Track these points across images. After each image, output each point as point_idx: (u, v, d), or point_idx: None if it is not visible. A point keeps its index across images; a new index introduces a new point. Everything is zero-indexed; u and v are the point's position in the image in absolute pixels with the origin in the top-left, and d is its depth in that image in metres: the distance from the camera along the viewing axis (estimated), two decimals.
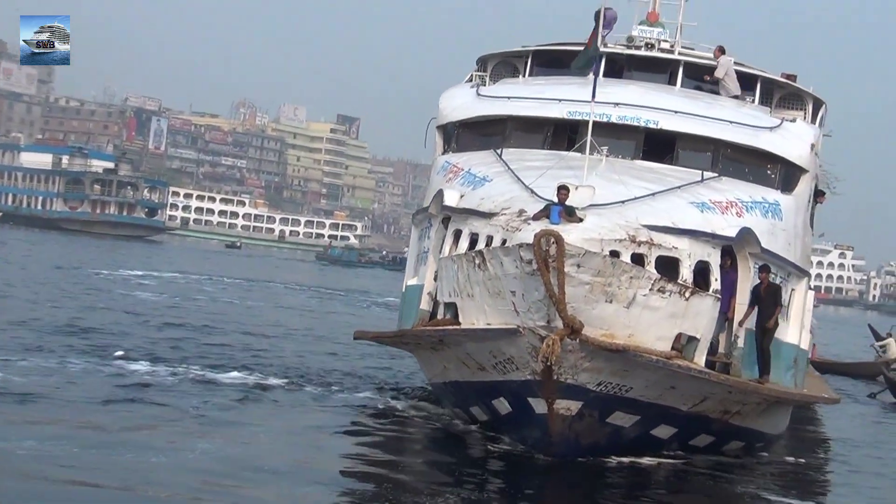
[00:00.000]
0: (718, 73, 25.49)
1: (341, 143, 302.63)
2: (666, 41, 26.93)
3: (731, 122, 23.73)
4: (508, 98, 24.74)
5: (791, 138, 24.06)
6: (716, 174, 22.84)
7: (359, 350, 33.31)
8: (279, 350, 33.49)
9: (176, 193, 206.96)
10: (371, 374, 29.49)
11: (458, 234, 21.36)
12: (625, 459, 20.48)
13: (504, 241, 19.26)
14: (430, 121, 26.47)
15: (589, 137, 20.95)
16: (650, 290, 18.76)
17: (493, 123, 24.66)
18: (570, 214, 18.79)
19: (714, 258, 20.61)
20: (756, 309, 21.83)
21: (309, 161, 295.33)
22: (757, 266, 21.83)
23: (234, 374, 26.55)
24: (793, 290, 24.27)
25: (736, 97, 25.36)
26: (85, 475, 16.11)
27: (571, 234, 18.26)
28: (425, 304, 22.50)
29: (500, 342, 19.27)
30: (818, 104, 27.03)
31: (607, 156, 21.99)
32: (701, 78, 25.74)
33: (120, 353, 28.09)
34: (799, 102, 26.75)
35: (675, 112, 23.58)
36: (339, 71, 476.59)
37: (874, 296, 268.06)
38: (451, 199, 21.77)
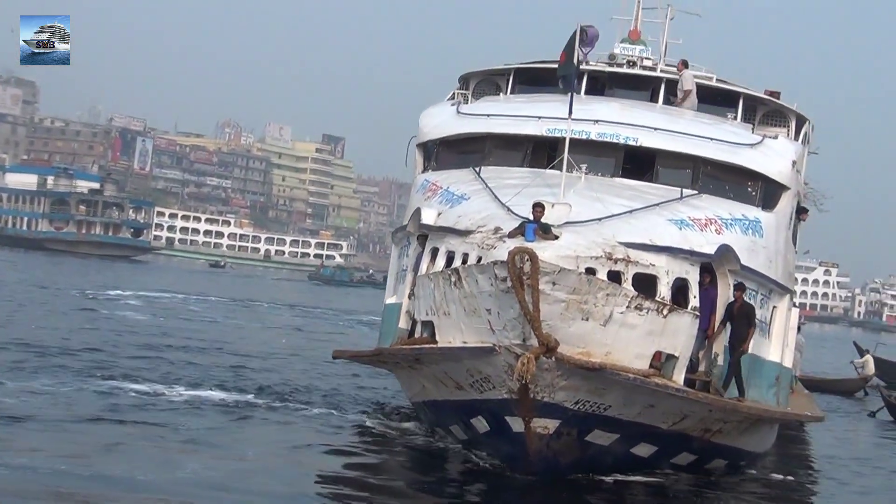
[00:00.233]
0: (685, 87, 25.36)
1: (326, 163, 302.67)
2: (648, 58, 26.99)
3: (711, 139, 23.65)
4: (488, 116, 24.66)
5: (772, 155, 23.98)
6: (695, 191, 22.76)
7: (346, 369, 33.15)
8: (266, 369, 33.47)
9: (161, 213, 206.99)
10: (356, 393, 29.39)
11: (435, 252, 21.26)
12: (607, 478, 20.38)
13: (480, 259, 19.18)
14: (411, 139, 26.38)
15: (566, 155, 20.84)
16: (627, 307, 18.59)
17: (473, 141, 24.59)
18: (546, 232, 18.69)
19: (693, 275, 20.52)
20: (728, 326, 21.72)
21: (294, 181, 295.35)
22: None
23: (221, 392, 26.56)
24: (774, 307, 24.16)
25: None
26: (73, 494, 16.15)
27: (546, 251, 18.14)
28: (403, 323, 22.38)
29: (476, 361, 19.10)
30: (801, 121, 27.00)
31: (586, 173, 21.94)
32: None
33: (106, 372, 27.99)
34: (782, 119, 26.75)
35: (655, 129, 23.51)
36: (325, 90, 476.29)
37: (859, 313, 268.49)
38: (428, 217, 21.67)
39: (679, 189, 22.51)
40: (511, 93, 26.40)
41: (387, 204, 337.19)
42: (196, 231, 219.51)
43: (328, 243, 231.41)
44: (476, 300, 18.52)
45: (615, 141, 23.27)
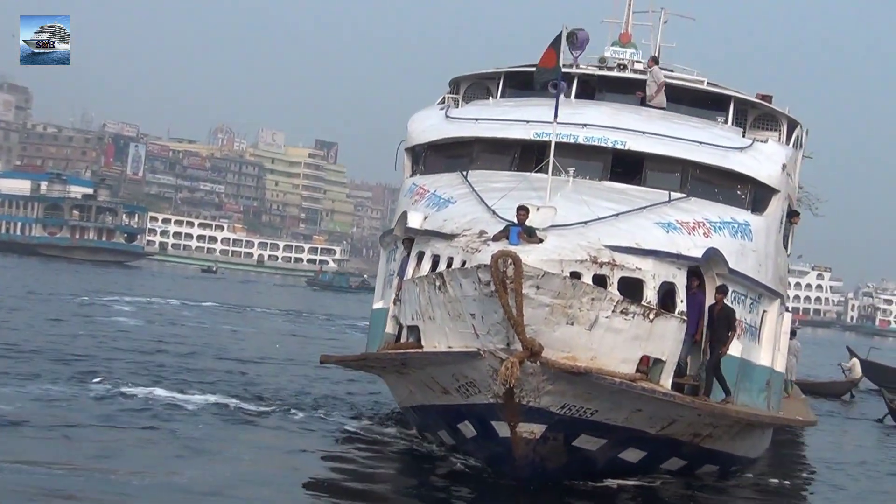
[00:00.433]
0: (651, 84, 25.22)
1: (319, 168, 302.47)
2: (639, 62, 26.85)
3: (700, 142, 23.53)
4: (476, 120, 24.57)
5: (762, 159, 23.85)
6: (684, 195, 22.64)
7: (342, 374, 33.08)
8: (260, 374, 33.44)
9: (154, 219, 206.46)
10: (349, 398, 29.43)
11: (421, 256, 21.14)
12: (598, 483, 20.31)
13: (464, 263, 19.05)
14: (400, 143, 26.28)
15: (551, 158, 20.72)
16: (613, 311, 18.48)
17: (461, 145, 24.50)
18: (531, 235, 18.56)
19: (680, 279, 20.36)
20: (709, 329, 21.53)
21: (287, 186, 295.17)
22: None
23: (216, 397, 26.55)
24: (765, 311, 24.04)
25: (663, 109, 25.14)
26: (67, 500, 16.24)
27: (530, 255, 18.01)
28: (390, 328, 22.24)
29: (461, 365, 19.00)
30: (793, 125, 26.89)
31: (574, 177, 21.82)
32: (675, 99, 25.55)
33: (100, 378, 27.94)
34: (774, 123, 26.61)
35: (644, 133, 23.39)
36: (317, 96, 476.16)
37: (852, 317, 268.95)
38: (414, 220, 21.54)
39: (667, 192, 22.39)
40: (501, 96, 26.26)
41: (380, 209, 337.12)
42: (189, 236, 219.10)
43: (321, 248, 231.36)
44: (460, 304, 18.42)
45: (603, 145, 23.16)
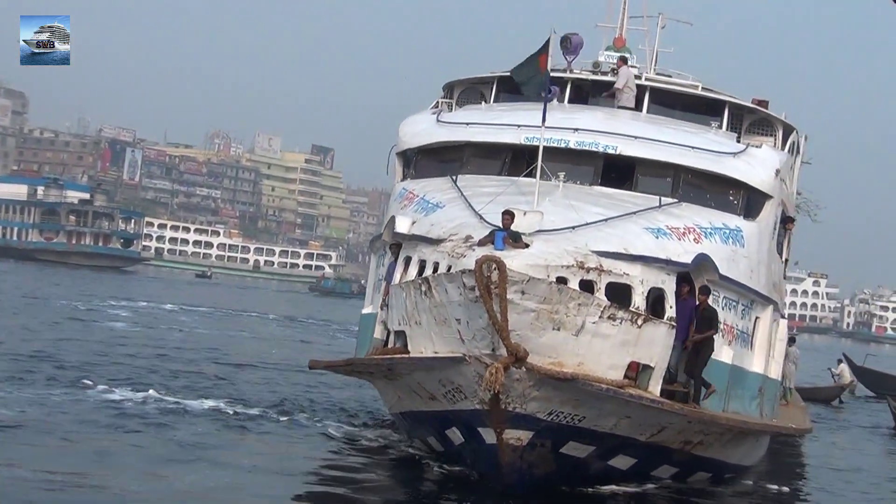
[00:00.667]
0: (618, 85, 25.04)
1: (316, 174, 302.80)
2: (633, 66, 26.64)
3: (693, 147, 23.32)
4: (467, 124, 24.42)
5: (755, 164, 23.63)
6: (675, 200, 22.45)
7: (340, 380, 32.92)
8: (255, 379, 33.47)
9: (151, 224, 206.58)
10: (343, 403, 29.43)
11: (408, 261, 21.04)
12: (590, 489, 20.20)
13: (450, 268, 18.94)
14: (392, 148, 26.12)
15: (539, 163, 20.55)
16: (600, 317, 18.31)
17: (452, 150, 24.37)
18: (516, 240, 18.43)
19: (669, 285, 20.18)
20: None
21: (284, 191, 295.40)
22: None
23: (210, 403, 26.50)
24: (757, 318, 23.85)
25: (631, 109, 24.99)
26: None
27: (515, 260, 17.89)
28: (378, 333, 22.09)
29: (447, 371, 18.86)
30: (789, 130, 26.71)
31: (565, 181, 21.66)
32: (670, 104, 25.40)
33: (96, 383, 27.85)
34: (769, 128, 26.43)
35: (636, 137, 23.21)
36: (314, 101, 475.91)
37: (848, 324, 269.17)
38: (402, 225, 21.42)
39: (658, 197, 22.20)
40: (495, 101, 26.12)
41: (376, 214, 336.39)
42: (185, 241, 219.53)
43: (317, 254, 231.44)
44: (446, 309, 18.28)
45: (594, 149, 22.97)
